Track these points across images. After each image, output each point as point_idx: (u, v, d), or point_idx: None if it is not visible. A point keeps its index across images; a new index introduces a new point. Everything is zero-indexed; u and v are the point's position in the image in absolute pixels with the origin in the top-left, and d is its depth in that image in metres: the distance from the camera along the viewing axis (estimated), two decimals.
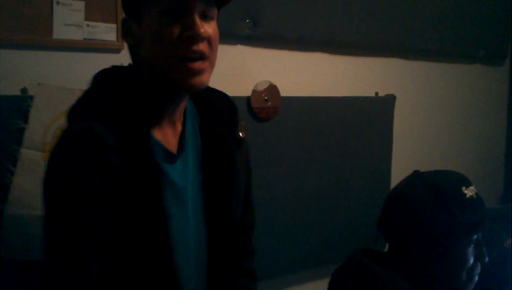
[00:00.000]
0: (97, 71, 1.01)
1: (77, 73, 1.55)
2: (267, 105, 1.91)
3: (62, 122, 1.47)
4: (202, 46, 0.91)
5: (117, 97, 0.94)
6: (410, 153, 2.50)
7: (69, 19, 1.51)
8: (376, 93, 2.31)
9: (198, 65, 0.91)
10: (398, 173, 2.38)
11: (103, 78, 0.99)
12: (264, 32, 1.90)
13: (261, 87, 1.90)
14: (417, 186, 1.17)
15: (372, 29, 2.22)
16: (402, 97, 2.37)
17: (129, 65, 1.03)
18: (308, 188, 2.06)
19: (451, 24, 2.50)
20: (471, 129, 2.75)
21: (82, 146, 0.87)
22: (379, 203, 2.28)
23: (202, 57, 0.91)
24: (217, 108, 1.10)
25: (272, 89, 1.93)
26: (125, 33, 0.97)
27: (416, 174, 1.24)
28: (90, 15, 1.54)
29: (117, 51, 1.60)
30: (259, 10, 1.87)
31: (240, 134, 1.11)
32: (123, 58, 1.06)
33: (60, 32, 1.50)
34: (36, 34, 1.47)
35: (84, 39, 1.54)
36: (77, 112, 0.96)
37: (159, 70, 0.92)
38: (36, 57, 1.49)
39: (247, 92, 1.87)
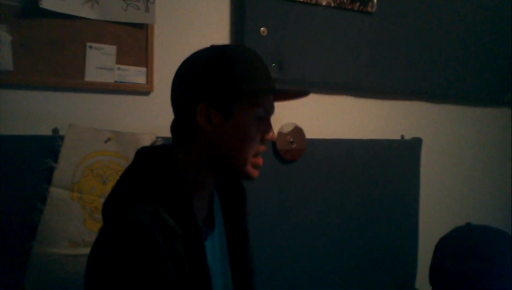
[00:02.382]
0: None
1: (107, 115, 1.59)
2: (292, 147, 1.92)
3: (91, 162, 1.50)
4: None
5: (168, 181, 0.97)
6: (437, 197, 2.46)
7: (100, 63, 1.56)
8: (402, 136, 2.29)
9: (261, 161, 1.06)
10: (426, 218, 2.34)
11: (146, 158, 1.03)
12: (289, 76, 1.93)
13: (286, 129, 1.92)
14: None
15: (398, 74, 2.23)
16: (428, 140, 2.35)
17: (167, 145, 1.09)
18: (333, 231, 2.04)
19: (477, 68, 2.49)
20: (500, 173, 2.70)
21: (155, 236, 0.86)
22: (406, 247, 2.25)
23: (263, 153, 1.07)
24: (233, 186, 1.21)
25: (297, 131, 1.94)
26: (204, 119, 0.99)
27: (469, 226, 1.22)
28: (121, 58, 1.59)
29: (146, 93, 1.64)
30: (284, 55, 1.90)
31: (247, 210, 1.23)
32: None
33: (92, 74, 1.55)
34: (68, 76, 1.52)
35: (115, 81, 1.59)
36: (129, 195, 0.94)
37: (237, 162, 1.02)
38: (68, 98, 1.54)
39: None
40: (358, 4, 2.06)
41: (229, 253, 1.16)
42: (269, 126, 1.05)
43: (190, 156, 1.02)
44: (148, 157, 1.03)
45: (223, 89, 0.98)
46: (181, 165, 1.01)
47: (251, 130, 1.00)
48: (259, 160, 1.05)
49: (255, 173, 1.05)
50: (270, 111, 1.05)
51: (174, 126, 1.06)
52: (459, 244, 1.21)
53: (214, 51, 1.02)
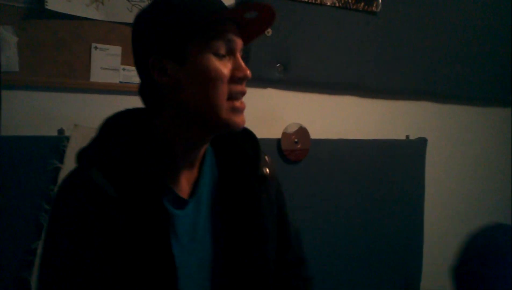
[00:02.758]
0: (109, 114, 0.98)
1: None
2: (297, 148, 1.92)
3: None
4: (244, 86, 0.93)
5: (125, 142, 0.91)
6: (442, 197, 2.46)
7: (106, 63, 1.56)
8: (407, 136, 2.29)
9: (242, 105, 0.93)
10: (431, 218, 2.34)
11: (115, 120, 0.97)
12: (294, 76, 1.93)
13: (291, 130, 1.92)
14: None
15: (402, 74, 2.23)
16: (433, 140, 2.35)
17: (144, 108, 0.99)
18: (337, 232, 2.03)
19: (483, 68, 2.49)
20: (505, 174, 2.69)
21: (80, 196, 0.84)
22: (411, 248, 2.25)
23: (243, 95, 0.93)
24: (237, 144, 1.04)
25: (302, 131, 1.94)
26: (159, 73, 0.90)
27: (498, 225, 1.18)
28: (126, 59, 1.59)
29: None
30: (289, 55, 1.90)
31: (265, 170, 1.04)
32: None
33: (97, 75, 1.55)
34: (74, 77, 1.53)
35: (120, 82, 1.59)
36: (82, 157, 0.94)
37: (208, 110, 0.89)
38: (74, 99, 1.54)
39: (277, 135, 1.89)
40: (363, 4, 2.06)
41: (212, 230, 0.99)
42: (237, 61, 0.91)
43: (163, 119, 0.93)
44: (116, 121, 0.96)
45: (168, 33, 0.89)
46: (156, 130, 0.94)
47: (211, 70, 0.87)
48: (238, 104, 0.91)
49: (236, 118, 0.91)
50: (233, 43, 0.90)
51: (139, 90, 0.97)
52: (489, 245, 1.15)
53: (153, 2, 0.94)
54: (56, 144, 1.48)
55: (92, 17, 1.53)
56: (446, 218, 2.48)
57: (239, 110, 0.92)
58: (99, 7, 1.53)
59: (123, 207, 0.84)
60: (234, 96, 0.91)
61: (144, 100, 0.97)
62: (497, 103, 2.64)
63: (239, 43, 0.92)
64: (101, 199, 0.84)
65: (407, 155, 2.25)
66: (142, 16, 0.94)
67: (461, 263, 1.14)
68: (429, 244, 2.33)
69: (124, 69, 1.59)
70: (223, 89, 0.89)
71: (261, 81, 1.87)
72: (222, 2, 0.94)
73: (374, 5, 2.09)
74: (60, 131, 1.50)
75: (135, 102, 1.61)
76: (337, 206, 2.03)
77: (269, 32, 1.84)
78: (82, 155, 0.94)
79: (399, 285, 2.21)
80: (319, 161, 1.98)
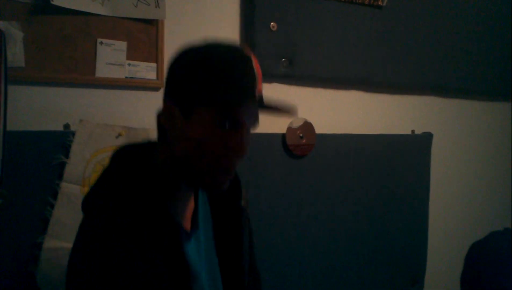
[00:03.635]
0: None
1: (118, 110, 1.60)
2: (302, 142, 1.92)
3: (102, 157, 1.51)
4: (237, 159, 0.94)
5: (138, 180, 0.94)
6: (447, 192, 2.45)
7: (111, 59, 1.57)
8: (413, 131, 2.29)
9: (230, 176, 0.97)
10: (436, 214, 2.34)
11: (123, 158, 1.00)
12: (299, 71, 1.93)
13: (296, 124, 1.91)
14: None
15: (408, 68, 2.22)
16: (439, 135, 2.34)
17: (149, 144, 1.04)
18: (344, 226, 2.04)
19: (489, 62, 2.47)
20: (511, 168, 2.68)
21: (110, 240, 0.86)
22: (416, 243, 2.25)
23: (234, 167, 0.96)
24: None
25: (307, 126, 1.94)
26: (167, 116, 0.96)
27: (504, 231, 1.17)
28: (132, 54, 1.60)
29: (156, 89, 1.64)
30: (294, 50, 1.90)
31: (243, 202, 1.14)
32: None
33: (103, 70, 1.56)
34: (79, 72, 1.53)
35: (126, 77, 1.59)
36: (98, 197, 0.96)
37: (190, 170, 0.94)
38: (79, 94, 1.55)
39: (282, 129, 1.89)
40: None
41: (217, 253, 1.09)
42: (235, 138, 0.92)
43: (164, 155, 0.98)
44: (124, 158, 1.00)
45: (186, 90, 0.93)
46: (159, 163, 0.99)
47: (206, 137, 0.90)
48: (227, 177, 0.96)
49: (220, 187, 0.96)
50: (240, 123, 0.92)
51: (157, 122, 1.01)
52: (496, 252, 1.14)
53: (197, 50, 0.96)
54: (61, 139, 1.49)
55: (97, 13, 1.53)
56: (451, 213, 2.47)
57: (225, 181, 0.97)
58: (104, 2, 1.53)
59: (148, 240, 0.89)
60: (224, 165, 0.93)
61: (157, 129, 1.01)
62: (503, 98, 2.63)
63: (250, 120, 0.94)
64: (142, 234, 0.88)
65: (412, 150, 2.25)
66: (179, 56, 0.98)
67: (468, 272, 1.14)
68: (434, 239, 2.33)
69: (129, 64, 1.59)
70: (212, 157, 0.92)
71: (266, 75, 1.85)
72: (251, 80, 0.93)
73: None
74: (66, 126, 1.51)
75: (140, 97, 1.63)
76: (342, 201, 2.03)
77: (274, 27, 1.83)
78: (95, 198, 0.96)
79: (404, 281, 2.21)
80: (324, 156, 1.98)
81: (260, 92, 0.95)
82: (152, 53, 1.63)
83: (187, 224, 1.04)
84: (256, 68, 0.94)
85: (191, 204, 1.06)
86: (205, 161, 0.92)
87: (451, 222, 2.46)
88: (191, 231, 1.03)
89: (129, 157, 0.99)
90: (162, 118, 0.97)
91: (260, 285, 1.26)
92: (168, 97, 0.97)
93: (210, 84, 0.90)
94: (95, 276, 0.83)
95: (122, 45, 1.58)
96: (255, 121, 0.96)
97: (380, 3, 2.08)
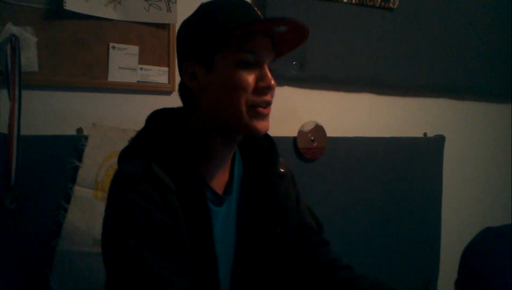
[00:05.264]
0: (150, 112, 1.06)
1: (130, 114, 1.60)
2: (313, 146, 1.91)
3: (114, 161, 1.52)
4: (270, 96, 0.98)
5: (171, 141, 0.97)
6: (460, 195, 2.43)
7: (123, 63, 1.58)
8: (425, 134, 2.27)
9: (266, 111, 0.98)
10: (448, 217, 2.32)
11: (157, 120, 1.03)
12: (310, 73, 1.92)
13: (307, 128, 1.91)
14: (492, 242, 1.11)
15: (420, 71, 2.20)
16: (451, 138, 2.32)
17: (181, 108, 1.06)
18: (356, 230, 2.03)
19: (502, 64, 2.45)
20: None
21: (144, 186, 0.89)
22: (429, 246, 2.23)
23: (269, 104, 0.98)
24: (258, 147, 1.13)
25: (318, 129, 1.94)
26: (189, 76, 0.99)
27: (488, 230, 1.17)
28: (144, 59, 1.61)
29: (168, 93, 1.65)
30: (305, 53, 1.90)
31: (281, 169, 1.13)
32: (174, 100, 1.09)
33: (115, 75, 1.57)
34: (92, 77, 1.54)
35: (138, 81, 1.60)
36: (132, 152, 1.00)
37: (229, 116, 0.96)
38: (92, 98, 1.56)
39: (294, 133, 1.88)
40: (379, 0, 2.04)
41: (237, 219, 1.08)
42: (263, 72, 0.96)
43: (196, 119, 1.01)
44: (158, 120, 1.03)
45: (199, 41, 0.96)
46: (191, 129, 1.01)
47: (235, 78, 0.93)
48: (263, 111, 0.97)
49: (257, 125, 0.96)
50: (260, 55, 0.96)
51: (179, 90, 1.05)
52: (482, 252, 1.16)
53: (195, 11, 1.02)
54: (74, 143, 1.50)
55: (109, 17, 1.54)
56: (464, 216, 2.45)
57: (262, 117, 0.97)
58: (116, 7, 1.54)
59: (179, 199, 0.92)
60: (258, 104, 0.96)
61: (181, 100, 1.05)
62: None
63: (267, 55, 0.97)
64: (165, 191, 0.91)
65: (424, 153, 2.23)
66: (183, 23, 1.03)
67: (462, 276, 1.14)
68: (446, 242, 2.31)
69: (141, 69, 1.60)
70: (245, 98, 0.94)
71: (278, 79, 1.82)
72: (256, 14, 0.99)
73: (391, 1, 2.07)
74: (79, 130, 1.52)
75: (152, 101, 1.63)
76: (354, 204, 2.02)
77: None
78: (131, 150, 1.01)
79: (417, 284, 2.19)
80: (335, 159, 1.98)
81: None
82: (164, 57, 1.64)
83: (220, 189, 1.05)
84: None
85: (227, 170, 1.08)
86: (240, 102, 0.94)
87: (464, 225, 2.44)
88: (224, 197, 1.05)
89: (159, 122, 1.03)
90: (187, 81, 1.00)
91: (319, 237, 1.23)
92: (185, 60, 1.00)
93: (222, 27, 0.94)
94: (119, 228, 0.88)
95: (134, 49, 1.59)
96: (271, 55, 0.99)
97: (391, 5, 2.07)
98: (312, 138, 1.91)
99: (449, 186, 2.32)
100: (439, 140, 2.28)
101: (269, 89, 0.96)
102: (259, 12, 1.00)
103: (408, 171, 2.17)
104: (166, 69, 1.64)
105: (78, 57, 1.51)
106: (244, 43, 0.94)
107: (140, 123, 1.57)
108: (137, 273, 0.84)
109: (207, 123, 1.00)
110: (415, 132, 2.25)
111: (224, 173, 1.07)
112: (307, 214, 1.22)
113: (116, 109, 1.59)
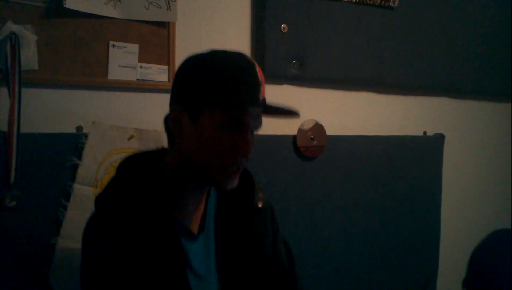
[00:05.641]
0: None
1: (130, 112, 1.61)
2: (313, 144, 1.92)
3: (114, 159, 1.52)
4: (245, 159, 1.00)
5: (143, 183, 1.00)
6: (460, 194, 2.44)
7: (123, 61, 1.58)
8: (425, 132, 2.27)
9: (236, 174, 1.02)
10: (448, 215, 2.32)
11: (128, 165, 1.06)
12: (310, 72, 1.93)
13: (307, 126, 1.91)
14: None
15: (420, 69, 2.21)
16: (451, 137, 2.32)
17: (154, 151, 1.10)
18: (355, 228, 2.03)
19: (502, 63, 2.45)
20: None
21: (113, 231, 0.94)
22: (428, 245, 2.23)
23: (242, 165, 1.02)
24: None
25: (318, 128, 1.94)
26: (174, 119, 1.01)
27: (499, 231, 1.18)
28: (143, 57, 1.61)
29: (168, 91, 1.63)
30: (305, 52, 1.90)
31: (259, 203, 1.17)
32: None
33: (115, 73, 1.57)
34: (92, 75, 1.54)
35: (137, 80, 1.60)
36: (103, 200, 1.03)
37: (200, 169, 0.99)
38: (92, 97, 1.56)
39: (293, 131, 1.89)
40: None
41: (216, 255, 1.10)
42: (241, 138, 0.97)
43: (171, 160, 1.04)
44: (129, 165, 1.06)
45: (192, 91, 0.98)
46: (166, 168, 1.04)
47: (214, 137, 0.96)
48: (235, 174, 1.01)
49: (226, 183, 1.01)
50: (246, 126, 0.98)
51: (164, 122, 1.08)
52: (494, 253, 1.15)
53: (202, 56, 1.02)
54: (74, 141, 1.50)
55: (109, 16, 1.54)
56: (463, 214, 2.46)
57: (234, 178, 1.01)
58: (116, 5, 1.54)
59: (151, 239, 0.95)
60: (230, 166, 0.99)
61: (166, 133, 1.08)
62: None
63: (254, 122, 1.00)
64: (129, 235, 0.94)
65: (424, 152, 2.23)
66: (185, 63, 1.04)
67: (471, 276, 1.14)
68: (446, 241, 2.31)
69: (141, 67, 1.60)
70: (220, 157, 0.97)
71: (277, 77, 1.87)
72: (256, 85, 0.98)
73: (391, 0, 2.07)
74: (79, 128, 1.52)
75: (152, 99, 1.64)
76: (353, 203, 2.02)
77: (285, 28, 1.84)
78: (101, 199, 1.04)
79: (416, 283, 2.20)
80: (335, 158, 1.98)
81: (263, 96, 1.01)
82: (164, 56, 1.64)
83: (195, 226, 1.08)
84: (259, 73, 0.99)
85: (201, 207, 1.10)
86: (213, 159, 0.97)
87: (463, 224, 2.44)
88: (198, 233, 1.07)
89: (134, 163, 1.05)
90: (170, 123, 1.02)
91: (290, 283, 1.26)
92: (174, 102, 1.02)
93: (217, 87, 0.95)
94: (93, 267, 0.94)
95: (134, 47, 1.59)
96: (259, 123, 1.02)
97: (391, 4, 2.08)
98: (312, 137, 1.91)
99: (448, 184, 2.32)
100: (439, 139, 2.28)
101: (245, 155, 0.99)
102: (259, 75, 0.99)
103: (407, 169, 2.17)
104: (166, 67, 1.64)
105: (78, 55, 1.51)
106: (231, 111, 0.96)
107: (139, 121, 1.59)
108: None
109: (181, 167, 1.02)
110: (415, 130, 2.25)
111: (198, 210, 1.09)
112: (282, 250, 1.25)
113: (116, 107, 1.59)
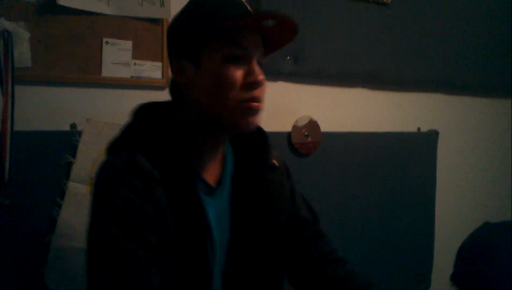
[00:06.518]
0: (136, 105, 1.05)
1: (124, 109, 1.58)
2: (308, 141, 1.92)
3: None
4: (260, 91, 0.96)
5: (160, 133, 0.97)
6: (454, 189, 2.44)
7: (117, 58, 1.57)
8: (419, 129, 2.28)
9: (256, 106, 0.96)
10: (442, 211, 2.33)
11: (144, 112, 1.03)
12: (304, 68, 1.92)
13: (301, 123, 1.91)
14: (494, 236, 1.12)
15: (414, 66, 2.21)
16: (445, 133, 2.33)
17: (169, 102, 1.06)
18: (350, 224, 2.04)
19: (495, 59, 2.46)
20: None
21: (127, 176, 0.89)
22: (423, 240, 2.24)
23: (258, 100, 0.96)
24: (251, 140, 1.12)
25: (313, 124, 1.94)
26: (178, 72, 0.99)
27: (486, 225, 1.18)
28: (137, 54, 1.60)
29: (162, 88, 1.64)
30: (300, 48, 1.90)
31: (274, 161, 1.12)
32: (168, 95, 1.09)
33: (109, 70, 1.56)
34: (85, 72, 1.53)
35: (131, 77, 1.60)
36: (118, 145, 1.00)
37: (217, 111, 0.95)
38: (85, 94, 1.55)
39: (288, 128, 1.89)
40: None
41: (230, 214, 1.06)
42: (251, 67, 0.95)
43: (185, 115, 1.01)
44: (146, 113, 1.03)
45: (186, 37, 0.96)
46: (180, 124, 1.01)
47: (223, 74, 0.93)
48: (253, 106, 0.95)
49: (246, 121, 0.96)
50: (248, 50, 0.95)
51: (169, 86, 1.06)
52: (481, 247, 1.15)
53: (185, 7, 1.01)
54: (68, 139, 1.50)
55: (102, 12, 1.53)
56: (457, 210, 2.46)
57: (251, 112, 0.96)
58: (109, 2, 1.53)
59: (165, 189, 0.92)
60: (246, 100, 0.94)
61: (171, 95, 1.06)
62: (511, 95, 2.61)
63: (256, 50, 0.96)
64: (149, 180, 0.90)
65: (418, 148, 2.24)
66: (172, 19, 1.02)
67: (458, 270, 1.15)
68: (440, 237, 2.32)
69: (135, 64, 1.60)
70: (233, 94, 0.93)
71: (272, 74, 1.86)
72: (245, 8, 0.97)
73: None
74: (73, 126, 1.51)
75: (146, 96, 1.62)
76: (348, 199, 2.03)
77: None
78: (117, 142, 1.01)
79: (410, 279, 2.21)
80: (330, 154, 1.98)
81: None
82: (158, 53, 1.63)
83: (213, 181, 1.04)
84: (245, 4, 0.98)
85: (217, 164, 1.07)
86: (226, 99, 0.94)
87: (457, 220, 2.45)
88: (216, 187, 1.04)
89: (151, 110, 1.03)
90: (175, 76, 1.00)
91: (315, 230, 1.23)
92: (174, 56, 1.00)
93: (208, 22, 0.93)
94: (100, 215, 0.89)
95: (128, 44, 1.58)
96: (261, 54, 0.99)
97: (385, 0, 2.08)
98: (306, 133, 1.92)
99: (442, 180, 2.33)
100: (433, 135, 2.29)
101: (256, 84, 0.95)
102: (249, 7, 0.98)
103: (402, 166, 2.18)
104: (159, 64, 1.63)
105: (72, 52, 1.51)
106: (231, 38, 0.93)
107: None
108: (114, 258, 0.85)
109: (195, 119, 0.99)
110: (409, 127, 2.26)
111: (215, 167, 1.06)
112: (302, 206, 1.21)
113: (110, 104, 1.58)
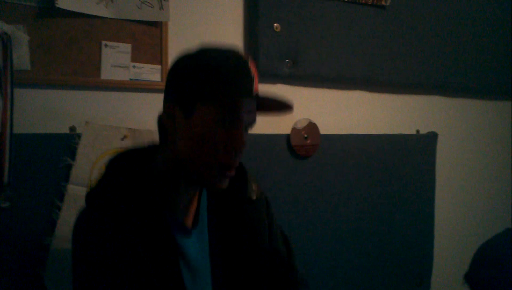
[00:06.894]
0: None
1: (123, 112, 1.60)
2: (307, 143, 1.92)
3: (107, 159, 1.52)
4: (239, 155, 0.99)
5: (130, 184, 1.00)
6: (453, 191, 2.45)
7: (116, 61, 1.57)
8: (418, 131, 2.28)
9: (231, 173, 1.00)
10: (441, 213, 2.33)
11: (116, 165, 1.05)
12: (303, 71, 1.93)
13: (300, 125, 1.92)
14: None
15: (412, 68, 2.21)
16: (444, 135, 2.33)
17: (146, 147, 1.10)
18: (349, 227, 2.04)
19: (494, 61, 2.47)
20: None
21: (102, 226, 0.93)
22: (422, 242, 2.24)
23: (233, 167, 1.00)
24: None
25: (312, 127, 1.94)
26: (168, 116, 1.00)
27: (508, 231, 1.19)
28: (136, 56, 1.61)
29: (161, 91, 1.62)
30: (298, 51, 1.90)
31: (252, 195, 1.16)
32: None
33: (108, 73, 1.56)
34: (84, 75, 1.54)
35: (130, 79, 1.60)
36: (94, 196, 1.02)
37: (191, 167, 0.98)
38: (85, 97, 1.55)
39: (287, 130, 1.89)
40: None
41: (210, 249, 1.10)
42: (235, 133, 0.97)
43: (164, 158, 1.03)
44: (120, 162, 1.05)
45: (186, 86, 0.98)
46: (158, 165, 1.04)
47: (207, 133, 0.95)
48: (229, 172, 0.99)
49: (217, 183, 1.00)
50: (239, 120, 0.97)
51: (157, 122, 1.07)
52: (498, 252, 1.16)
53: (194, 53, 1.02)
54: (67, 142, 1.50)
55: (101, 15, 1.54)
56: (457, 212, 2.47)
57: (225, 177, 1.00)
58: (108, 5, 1.54)
59: (140, 236, 0.94)
60: (224, 166, 0.98)
61: (158, 131, 1.06)
62: (508, 97, 2.61)
63: (247, 116, 0.99)
64: (122, 230, 0.93)
65: (417, 150, 2.24)
66: (178, 61, 1.04)
67: (473, 270, 1.15)
68: (440, 239, 2.32)
69: (134, 66, 1.60)
70: (214, 153, 0.96)
71: (270, 76, 1.87)
72: (249, 77, 0.98)
73: None
74: (72, 129, 1.52)
75: (145, 99, 1.63)
76: (347, 201, 2.03)
77: (278, 28, 1.84)
78: (96, 192, 1.03)
79: (410, 281, 2.20)
80: (329, 157, 1.98)
81: (257, 90, 1.00)
82: (156, 55, 1.64)
83: (189, 221, 1.08)
84: (252, 68, 0.99)
85: (194, 202, 1.10)
86: (205, 156, 0.96)
87: (457, 221, 2.45)
88: (192, 228, 1.07)
89: (125, 159, 1.05)
90: (164, 119, 1.01)
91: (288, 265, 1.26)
92: (168, 100, 1.02)
93: (211, 82, 0.95)
94: (85, 264, 0.93)
95: (127, 47, 1.59)
96: (252, 119, 1.02)
97: (383, 3, 2.08)
98: (305, 136, 1.92)
99: (441, 182, 2.33)
100: (432, 137, 2.30)
101: (238, 149, 0.97)
102: (252, 69, 0.99)
103: (400, 168, 2.18)
104: (158, 67, 1.64)
105: (71, 55, 1.51)
106: (231, 106, 0.96)
107: (132, 121, 1.59)
108: None
109: (172, 164, 1.02)
110: (408, 129, 2.26)
111: (192, 204, 1.09)
112: (279, 238, 1.25)
113: (109, 107, 1.59)
